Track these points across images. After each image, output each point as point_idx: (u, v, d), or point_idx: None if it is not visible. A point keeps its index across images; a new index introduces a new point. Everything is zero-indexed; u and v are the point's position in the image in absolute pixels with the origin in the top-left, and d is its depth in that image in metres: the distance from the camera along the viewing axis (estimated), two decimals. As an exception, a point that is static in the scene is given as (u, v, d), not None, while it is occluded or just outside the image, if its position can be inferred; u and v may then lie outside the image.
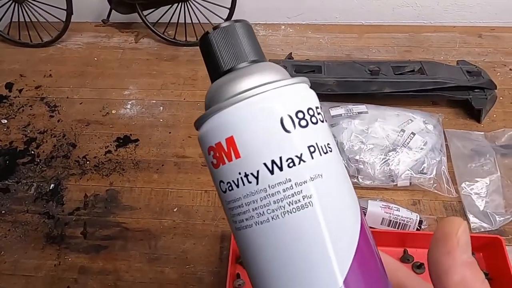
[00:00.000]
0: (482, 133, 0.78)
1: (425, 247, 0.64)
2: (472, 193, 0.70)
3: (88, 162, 0.80)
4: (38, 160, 0.81)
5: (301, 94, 0.21)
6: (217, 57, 0.22)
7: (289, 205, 0.19)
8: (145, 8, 0.98)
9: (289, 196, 0.19)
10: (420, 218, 0.65)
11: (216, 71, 0.22)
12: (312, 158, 0.20)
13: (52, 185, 0.77)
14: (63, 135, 0.85)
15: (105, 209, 0.73)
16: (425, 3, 1.01)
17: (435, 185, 0.71)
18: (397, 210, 0.66)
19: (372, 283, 0.20)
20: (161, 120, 0.87)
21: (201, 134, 0.21)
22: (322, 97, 0.83)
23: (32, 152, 0.83)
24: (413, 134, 0.73)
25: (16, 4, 0.99)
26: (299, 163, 0.20)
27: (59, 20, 1.02)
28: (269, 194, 0.20)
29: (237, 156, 0.20)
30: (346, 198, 0.21)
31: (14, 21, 1.04)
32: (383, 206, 0.67)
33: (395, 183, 0.71)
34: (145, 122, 0.86)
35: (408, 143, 0.72)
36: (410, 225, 0.65)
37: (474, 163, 0.73)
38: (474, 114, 0.81)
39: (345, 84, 0.81)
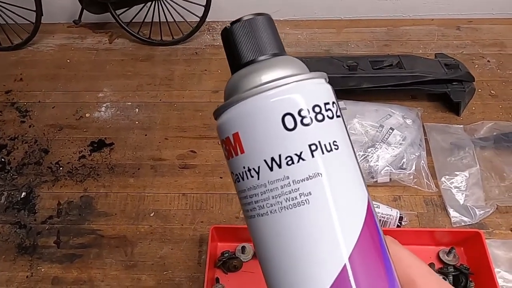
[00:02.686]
0: (461, 126, 0.78)
1: (406, 243, 0.63)
2: (452, 187, 0.69)
3: (61, 168, 0.78)
4: (9, 168, 0.78)
5: (312, 90, 0.21)
6: (237, 50, 0.22)
7: (286, 201, 0.20)
8: (118, 8, 0.95)
9: (287, 193, 0.20)
10: (400, 214, 0.65)
11: (236, 63, 0.22)
12: (313, 156, 0.20)
13: (23, 193, 0.74)
14: (35, 140, 0.82)
15: (79, 216, 0.71)
16: (403, -4, 1.00)
17: (415, 180, 0.70)
18: (376, 207, 0.65)
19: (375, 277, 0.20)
20: (137, 122, 0.84)
21: (217, 126, 0.22)
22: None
23: (3, 159, 0.80)
24: (392, 129, 0.72)
25: (-17, 6, 0.96)
26: (298, 161, 0.20)
27: (29, 22, 0.98)
28: (268, 190, 0.20)
29: (242, 151, 0.21)
30: (347, 197, 0.20)
31: (-18, 24, 1.00)
32: (363, 203, 0.66)
33: (375, 180, 0.70)
34: (120, 125, 0.84)
35: (387, 139, 0.71)
36: (390, 222, 0.64)
37: (453, 157, 0.72)
38: (453, 107, 0.81)
39: (323, 81, 0.80)
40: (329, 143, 0.20)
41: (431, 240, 0.63)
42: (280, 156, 0.20)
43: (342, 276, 0.19)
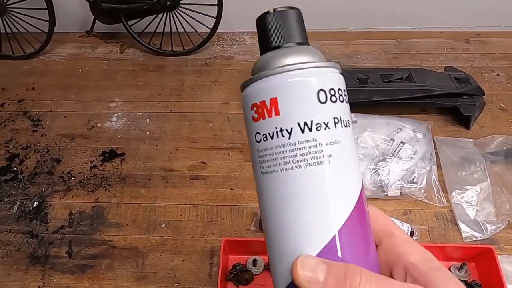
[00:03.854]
0: (471, 140, 0.78)
1: (417, 258, 0.63)
2: (463, 202, 0.69)
3: (73, 178, 0.78)
4: (21, 177, 0.79)
5: (335, 76, 0.26)
6: (269, 35, 0.27)
7: (311, 159, 0.25)
8: (130, 18, 0.97)
9: (313, 152, 0.25)
10: (411, 229, 0.65)
11: (267, 46, 0.27)
12: (335, 127, 0.25)
13: (35, 203, 0.75)
14: (47, 150, 0.83)
15: (91, 227, 0.71)
16: (412, 9, 1.01)
17: (425, 194, 0.70)
18: (388, 221, 0.65)
19: (362, 245, 0.25)
20: (148, 132, 0.85)
21: (246, 93, 0.26)
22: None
23: (15, 168, 0.80)
24: (403, 143, 0.72)
25: (-3, 15, 0.97)
26: (325, 128, 0.25)
27: (41, 32, 0.99)
28: (297, 148, 0.25)
29: (277, 114, 0.25)
30: (353, 166, 0.25)
31: (-5, 33, 1.02)
32: (374, 217, 0.66)
33: (385, 193, 0.70)
34: (131, 135, 0.85)
35: (397, 153, 0.71)
36: (401, 237, 0.64)
37: (464, 171, 0.73)
38: (463, 120, 0.81)
39: (334, 93, 0.80)
40: (346, 120, 0.26)
41: (442, 255, 0.63)
42: (312, 122, 0.25)
43: (348, 224, 0.24)
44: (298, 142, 0.25)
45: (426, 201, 0.70)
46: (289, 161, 0.25)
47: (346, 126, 0.26)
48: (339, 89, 0.26)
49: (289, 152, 0.25)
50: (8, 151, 0.83)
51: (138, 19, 0.98)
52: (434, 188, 0.70)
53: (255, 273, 0.63)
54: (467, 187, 0.71)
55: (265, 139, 0.26)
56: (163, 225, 0.71)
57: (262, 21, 0.27)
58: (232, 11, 1.00)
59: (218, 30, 0.97)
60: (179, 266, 0.66)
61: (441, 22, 1.03)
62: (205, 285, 0.64)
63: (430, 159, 0.72)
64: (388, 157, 0.71)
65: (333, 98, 0.26)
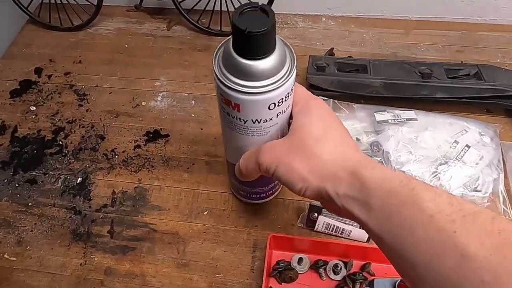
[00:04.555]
0: (543, 148, 0.71)
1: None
2: (531, 216, 0.64)
3: (116, 157, 0.77)
4: (66, 151, 0.79)
5: (286, 86, 0.41)
6: (243, 48, 0.38)
7: (256, 134, 0.46)
8: (180, -6, 0.93)
9: (258, 131, 0.45)
10: (472, 241, 0.60)
11: (242, 52, 0.39)
12: (277, 117, 0.44)
13: (79, 179, 0.75)
14: (91, 125, 0.82)
15: (133, 208, 0.70)
16: (481, -2, 0.92)
17: (488, 203, 0.65)
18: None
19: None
20: (193, 115, 0.82)
21: (221, 87, 0.42)
22: (365, 99, 0.77)
23: (60, 142, 0.80)
24: (468, 146, 0.66)
25: (48, -15, 0.96)
26: (269, 120, 0.44)
27: (90, 4, 0.98)
28: (248, 127, 0.45)
29: (238, 111, 0.43)
30: (281, 132, 0.47)
31: (45, 2, 1.01)
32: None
33: (444, 199, 0.65)
34: (176, 117, 0.82)
35: (462, 157, 0.66)
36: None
37: (534, 182, 0.66)
38: (535, 125, 0.74)
39: (393, 87, 0.75)
40: (283, 111, 0.44)
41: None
42: (261, 119, 0.43)
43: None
44: (249, 126, 0.44)
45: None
46: (242, 131, 0.46)
47: (284, 112, 0.45)
48: (288, 94, 0.42)
49: (242, 128, 0.45)
50: (53, 124, 0.83)
51: (188, -4, 0.94)
52: (501, 198, 0.64)
53: (300, 272, 0.61)
54: (537, 200, 0.64)
55: (227, 115, 0.45)
56: (206, 212, 0.69)
57: (241, 36, 0.37)
58: (286, -9, 0.94)
59: (269, 11, 0.92)
60: (221, 257, 0.64)
61: (513, 14, 0.94)
62: (247, 279, 0.62)
63: (497, 166, 0.66)
64: (451, 160, 0.65)
65: (280, 103, 0.42)
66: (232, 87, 0.40)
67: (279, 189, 0.69)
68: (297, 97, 0.44)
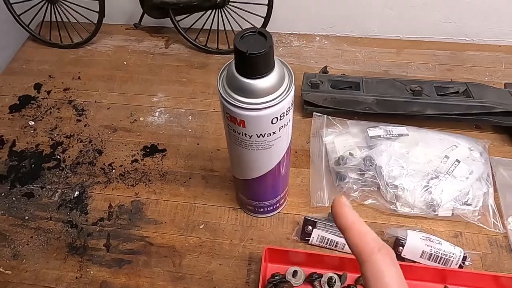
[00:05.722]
0: (531, 163, 0.73)
1: (468, 285, 0.60)
2: (520, 229, 0.65)
3: (114, 171, 0.78)
4: (64, 166, 0.79)
5: (287, 101, 0.45)
6: (245, 67, 0.42)
7: (261, 148, 0.49)
8: (178, 14, 0.96)
9: (262, 144, 0.49)
10: (464, 253, 0.61)
11: (243, 71, 0.42)
12: (279, 131, 0.48)
13: (76, 193, 0.75)
14: (89, 140, 0.83)
15: (130, 221, 0.71)
16: (469, 20, 0.96)
17: (479, 217, 0.66)
18: (438, 243, 0.62)
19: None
20: (190, 130, 0.84)
21: (230, 108, 0.45)
22: (358, 116, 0.78)
23: (58, 156, 0.81)
24: (458, 161, 0.68)
25: (49, 4, 0.98)
26: (273, 134, 0.48)
27: (90, 22, 1.00)
28: (253, 142, 0.48)
29: (244, 127, 0.46)
30: (283, 147, 0.52)
31: (46, 21, 1.03)
32: (424, 238, 0.62)
33: (436, 213, 0.67)
34: (173, 132, 0.84)
35: (452, 171, 0.67)
36: (452, 261, 0.61)
37: (522, 196, 0.68)
38: (522, 141, 0.76)
39: (385, 104, 0.77)
40: (284, 124, 0.48)
41: (496, 285, 0.59)
42: (265, 133, 0.47)
43: (263, 176, 0.56)
44: (255, 141, 0.48)
45: (480, 224, 0.66)
46: (247, 146, 0.49)
47: (286, 126, 0.48)
48: (288, 108, 0.46)
49: (248, 143, 0.49)
50: (52, 138, 0.84)
51: (186, 15, 0.97)
52: (490, 211, 0.66)
53: (294, 285, 0.61)
54: (526, 214, 0.66)
55: (233, 131, 0.48)
56: (202, 226, 0.70)
57: (242, 58, 0.40)
58: (281, 11, 0.97)
59: (265, 31, 0.95)
60: (216, 270, 0.65)
61: (499, 35, 0.98)
62: (242, 292, 0.62)
63: (487, 180, 0.68)
64: (442, 174, 0.67)
65: (281, 117, 0.46)
66: (237, 104, 0.43)
67: (285, 203, 0.70)
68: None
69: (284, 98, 0.44)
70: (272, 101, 0.43)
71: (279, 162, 0.55)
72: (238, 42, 0.41)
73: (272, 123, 0.46)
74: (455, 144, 0.71)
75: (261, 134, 0.47)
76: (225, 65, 0.46)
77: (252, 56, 0.40)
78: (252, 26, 0.46)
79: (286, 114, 0.46)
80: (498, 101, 0.75)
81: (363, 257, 0.25)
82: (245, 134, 0.47)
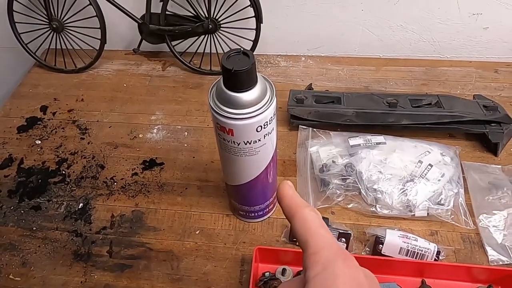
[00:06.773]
0: (499, 166, 0.80)
1: (443, 277, 0.65)
2: (490, 226, 0.71)
3: (115, 183, 0.84)
4: (69, 180, 0.85)
5: (269, 111, 0.51)
6: (231, 83, 0.49)
7: (248, 154, 0.56)
8: (174, 39, 1.04)
9: (249, 151, 0.55)
10: (438, 248, 0.66)
11: (230, 86, 0.49)
12: (264, 138, 0.54)
13: (81, 204, 0.81)
14: (92, 156, 0.90)
15: (131, 229, 0.76)
16: (442, 39, 1.05)
17: (452, 216, 0.72)
18: (415, 240, 0.67)
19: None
20: (186, 145, 0.90)
21: (216, 116, 0.52)
22: (341, 127, 0.85)
23: (63, 172, 0.87)
24: (431, 165, 0.75)
25: (54, 33, 1.07)
26: (258, 141, 0.54)
27: (92, 48, 1.08)
28: (241, 149, 0.55)
29: (232, 135, 0.52)
30: (269, 152, 0.58)
31: (51, 48, 1.11)
32: (401, 235, 0.68)
33: (412, 213, 0.72)
34: (170, 146, 0.90)
35: (425, 174, 0.74)
36: (428, 255, 0.66)
37: (491, 196, 0.74)
38: (491, 147, 0.83)
39: (364, 115, 0.84)
40: (269, 132, 0.54)
41: (468, 276, 0.64)
42: (251, 140, 0.53)
43: (252, 181, 0.62)
44: (242, 148, 0.54)
45: (453, 223, 0.72)
46: (235, 153, 0.55)
47: (270, 134, 0.54)
48: (271, 117, 0.52)
49: (237, 150, 0.54)
50: (57, 155, 0.90)
51: (181, 40, 1.05)
52: (462, 210, 0.72)
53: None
54: (495, 212, 0.72)
55: (223, 140, 0.54)
56: (198, 231, 0.75)
57: (229, 74, 0.47)
58: (268, 35, 1.06)
59: (254, 53, 1.03)
60: (212, 271, 0.70)
61: (471, 52, 1.06)
62: (236, 291, 0.67)
63: (457, 182, 0.74)
64: (416, 178, 0.73)
65: (265, 125, 0.52)
66: (226, 115, 0.50)
67: (275, 208, 0.75)
68: (319, 249, 0.27)
69: (267, 108, 0.50)
70: (256, 111, 0.49)
71: (266, 168, 0.61)
72: (224, 61, 0.47)
73: (257, 131, 0.52)
74: (428, 150, 0.77)
75: (248, 141, 0.53)
76: (214, 82, 0.52)
77: (237, 72, 0.46)
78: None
79: (270, 123, 0.52)
80: (467, 110, 0.83)
81: (292, 213, 0.29)
82: (234, 142, 0.53)
